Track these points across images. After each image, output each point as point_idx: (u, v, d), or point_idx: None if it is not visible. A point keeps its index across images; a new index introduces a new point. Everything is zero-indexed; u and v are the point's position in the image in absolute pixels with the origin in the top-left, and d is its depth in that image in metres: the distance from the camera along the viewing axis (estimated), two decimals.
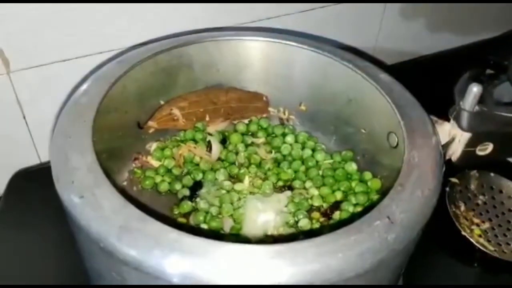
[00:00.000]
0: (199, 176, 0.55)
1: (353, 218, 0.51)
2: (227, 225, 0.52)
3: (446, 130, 0.47)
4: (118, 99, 0.49)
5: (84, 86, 0.47)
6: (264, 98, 0.61)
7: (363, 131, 0.55)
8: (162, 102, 0.56)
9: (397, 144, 0.50)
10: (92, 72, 0.56)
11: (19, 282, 0.51)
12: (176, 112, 0.56)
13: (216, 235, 0.50)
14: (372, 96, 0.51)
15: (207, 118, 0.59)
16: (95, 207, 0.34)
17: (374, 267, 0.34)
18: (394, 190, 0.38)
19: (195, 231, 0.48)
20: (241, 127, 0.60)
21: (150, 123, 0.55)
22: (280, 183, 0.57)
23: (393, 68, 0.80)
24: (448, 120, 0.48)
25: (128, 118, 0.53)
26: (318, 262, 0.32)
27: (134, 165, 0.56)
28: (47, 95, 0.58)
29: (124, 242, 0.32)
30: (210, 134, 0.58)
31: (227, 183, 0.55)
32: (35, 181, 0.60)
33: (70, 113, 0.45)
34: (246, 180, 0.56)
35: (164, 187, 0.55)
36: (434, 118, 0.48)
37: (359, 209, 0.53)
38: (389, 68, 0.52)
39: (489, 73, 0.78)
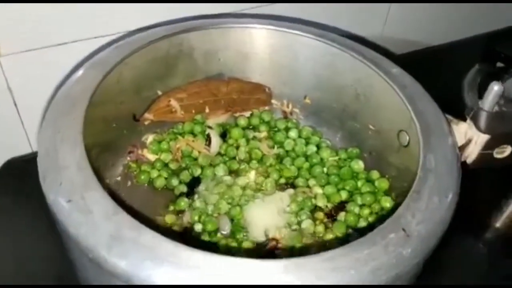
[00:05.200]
0: (198, 172, 0.52)
1: (357, 222, 0.49)
2: (224, 226, 0.49)
3: (463, 130, 0.44)
4: (114, 88, 0.46)
5: (77, 74, 0.44)
6: (267, 90, 0.58)
7: (371, 127, 0.52)
8: (159, 93, 0.53)
9: (408, 143, 0.47)
10: (87, 58, 0.52)
11: (7, 271, 0.48)
12: (174, 103, 0.52)
13: (211, 242, 0.47)
14: (382, 91, 0.48)
15: (207, 110, 0.56)
16: (84, 212, 0.31)
17: (389, 282, 0.31)
18: (409, 198, 0.35)
19: (189, 239, 0.46)
20: (242, 121, 0.57)
21: (147, 115, 0.51)
22: (282, 181, 0.54)
23: (399, 59, 0.77)
24: (464, 120, 0.45)
25: (124, 109, 0.49)
26: (330, 278, 0.29)
27: (129, 158, 0.53)
28: (40, 81, 0.54)
29: (114, 253, 0.29)
30: (210, 127, 0.55)
31: (228, 178, 0.52)
32: (27, 170, 0.56)
33: (60, 104, 0.42)
34: (252, 174, 0.53)
35: (160, 182, 0.52)
36: (449, 117, 0.45)
37: (365, 211, 0.50)
38: (396, 59, 0.49)
39: (500, 66, 0.75)
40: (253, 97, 0.58)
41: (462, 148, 0.44)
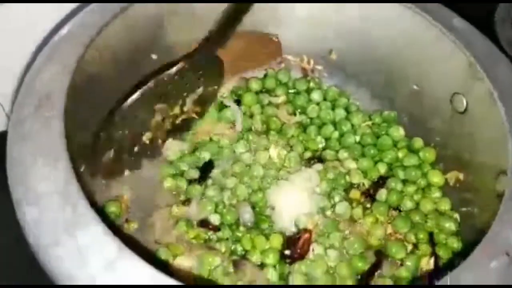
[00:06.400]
0: (210, 154, 0.44)
1: (401, 201, 0.42)
2: (245, 215, 0.41)
3: None
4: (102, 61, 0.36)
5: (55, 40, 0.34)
6: (274, 38, 0.48)
7: (414, 87, 0.44)
8: (154, 57, 0.43)
9: (466, 109, 0.38)
10: (69, 17, 0.41)
11: None
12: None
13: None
14: (436, 43, 0.38)
15: None
16: (77, 261, 0.23)
17: None
18: (504, 207, 0.27)
19: None
20: (255, 84, 0.48)
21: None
22: (308, 154, 0.45)
23: None
24: None
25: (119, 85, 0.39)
26: None
27: None
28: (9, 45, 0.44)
29: None
30: (224, 99, 0.46)
31: (247, 155, 0.44)
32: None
33: (29, 97, 0.31)
34: (273, 149, 0.44)
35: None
36: None
37: (410, 187, 0.42)
38: None
39: None
40: (261, 50, 0.48)
41: None
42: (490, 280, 0.24)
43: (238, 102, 0.47)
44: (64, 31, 0.35)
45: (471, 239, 0.30)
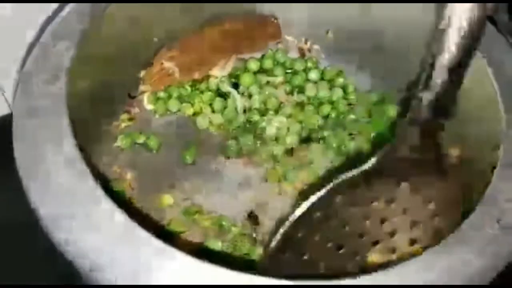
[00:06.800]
0: None
1: None
2: None
3: None
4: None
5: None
6: (274, 20, 0.49)
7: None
8: (156, 40, 0.43)
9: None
10: None
11: None
12: (169, 64, 0.43)
13: None
14: None
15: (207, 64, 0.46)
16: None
17: None
18: (496, 177, 0.28)
19: None
20: (253, 65, 0.48)
21: (142, 87, 0.44)
22: (305, 134, 0.46)
23: None
24: None
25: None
26: None
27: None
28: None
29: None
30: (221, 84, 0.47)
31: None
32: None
33: (35, 70, 0.32)
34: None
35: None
36: None
37: None
38: None
39: None
40: (260, 33, 0.49)
41: None
42: (483, 248, 0.25)
43: (236, 85, 0.47)
44: (68, 9, 0.36)
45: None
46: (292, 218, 0.29)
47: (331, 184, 0.29)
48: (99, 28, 0.36)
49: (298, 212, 0.29)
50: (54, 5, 0.43)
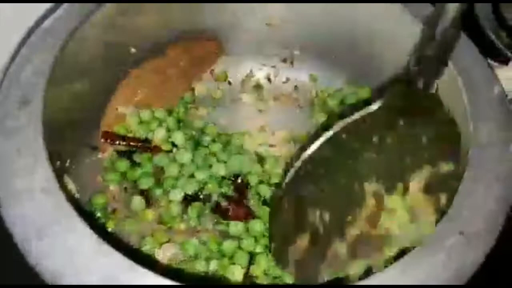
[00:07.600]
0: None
1: None
2: None
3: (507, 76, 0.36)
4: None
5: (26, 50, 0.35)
6: (211, 37, 0.48)
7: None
8: (133, 50, 0.43)
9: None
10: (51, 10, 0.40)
11: None
12: (123, 109, 0.43)
13: None
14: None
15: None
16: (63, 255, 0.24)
17: None
18: (462, 187, 0.28)
19: None
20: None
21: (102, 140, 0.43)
22: None
23: None
24: (507, 63, 0.37)
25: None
26: None
27: None
28: None
29: None
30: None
31: None
32: None
33: (12, 91, 0.33)
34: None
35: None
36: (490, 62, 0.37)
37: None
38: None
39: None
40: (202, 53, 0.48)
41: None
42: (445, 259, 0.26)
43: None
44: (46, 24, 0.36)
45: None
46: (304, 156, 0.32)
47: (339, 124, 0.31)
48: (77, 41, 0.36)
49: (309, 151, 0.32)
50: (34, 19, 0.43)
